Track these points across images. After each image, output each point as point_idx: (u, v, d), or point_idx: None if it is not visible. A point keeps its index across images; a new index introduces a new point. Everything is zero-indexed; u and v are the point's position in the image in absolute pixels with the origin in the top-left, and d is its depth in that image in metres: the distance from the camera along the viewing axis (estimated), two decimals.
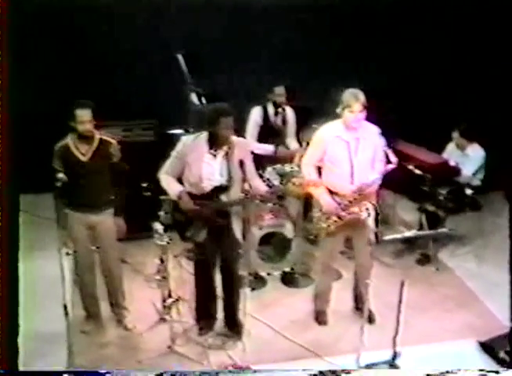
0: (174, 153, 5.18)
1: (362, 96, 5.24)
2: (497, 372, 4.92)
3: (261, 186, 5.23)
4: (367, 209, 5.41)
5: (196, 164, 5.11)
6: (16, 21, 4.58)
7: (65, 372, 4.89)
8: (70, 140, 5.29)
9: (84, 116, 5.17)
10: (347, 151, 5.35)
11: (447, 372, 4.74)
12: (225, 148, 5.11)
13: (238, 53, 7.91)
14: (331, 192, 5.45)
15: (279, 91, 6.96)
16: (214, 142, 5.10)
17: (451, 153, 7.17)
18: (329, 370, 4.99)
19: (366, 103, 5.24)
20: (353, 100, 5.22)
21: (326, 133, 5.44)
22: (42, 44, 7.48)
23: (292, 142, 7.14)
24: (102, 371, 4.92)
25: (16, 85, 4.55)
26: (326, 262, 5.79)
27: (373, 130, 5.45)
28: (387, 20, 8.08)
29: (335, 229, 5.50)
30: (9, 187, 4.44)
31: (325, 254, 5.79)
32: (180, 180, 5.21)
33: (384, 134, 5.48)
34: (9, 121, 4.43)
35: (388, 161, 5.31)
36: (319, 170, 5.53)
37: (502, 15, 7.47)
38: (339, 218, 5.45)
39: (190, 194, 5.13)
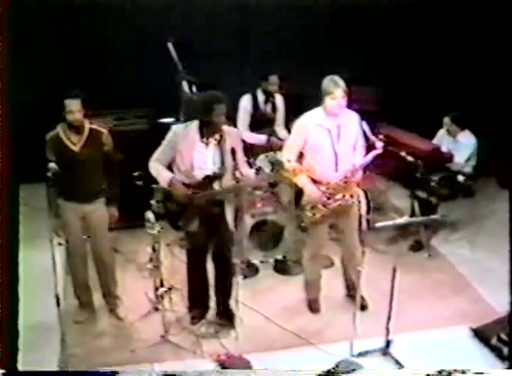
0: (164, 142, 5.16)
1: (342, 82, 5.19)
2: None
3: (250, 174, 5.21)
4: (357, 195, 5.39)
5: (188, 153, 5.08)
6: (11, 13, 4.53)
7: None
8: (60, 130, 5.27)
9: (72, 105, 5.13)
10: (329, 139, 5.31)
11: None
12: (216, 136, 5.09)
13: (229, 42, 7.88)
14: (314, 181, 5.41)
15: (273, 80, 6.97)
16: (206, 131, 5.08)
17: (442, 140, 7.16)
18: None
19: (347, 89, 5.21)
20: (333, 87, 5.18)
21: (306, 122, 5.38)
22: (37, 34, 7.41)
23: (281, 130, 7.14)
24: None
25: (15, 77, 4.51)
26: (315, 250, 5.77)
27: (354, 117, 5.41)
28: (379, 8, 8.03)
29: (321, 218, 5.48)
30: (8, 178, 4.42)
31: (313, 243, 5.76)
32: (170, 168, 5.18)
33: (368, 120, 5.46)
34: (6, 112, 4.41)
35: (373, 148, 5.28)
36: (300, 158, 5.47)
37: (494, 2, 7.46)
38: (324, 206, 5.43)
39: (181, 183, 5.11)
